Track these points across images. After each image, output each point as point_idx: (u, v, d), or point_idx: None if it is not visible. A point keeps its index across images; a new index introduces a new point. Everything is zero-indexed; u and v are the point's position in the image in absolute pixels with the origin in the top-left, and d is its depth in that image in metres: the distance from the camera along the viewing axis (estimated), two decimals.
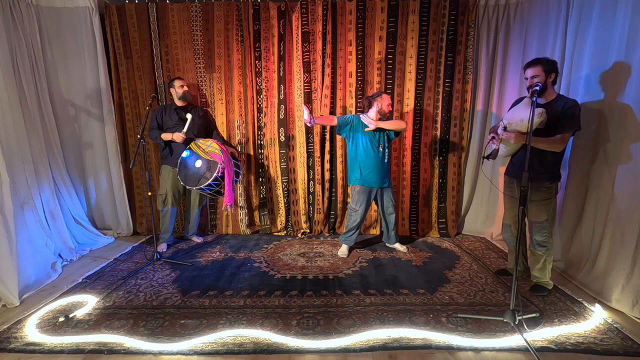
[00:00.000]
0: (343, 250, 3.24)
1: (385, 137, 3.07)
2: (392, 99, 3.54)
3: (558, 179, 2.41)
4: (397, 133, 3.13)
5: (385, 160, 3.08)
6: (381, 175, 3.07)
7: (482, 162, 2.48)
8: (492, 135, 2.47)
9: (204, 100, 3.63)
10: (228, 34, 3.50)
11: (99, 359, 1.91)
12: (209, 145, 3.14)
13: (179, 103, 3.31)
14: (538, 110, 2.12)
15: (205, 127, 3.46)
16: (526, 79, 2.33)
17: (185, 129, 3.13)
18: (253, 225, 3.89)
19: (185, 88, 3.28)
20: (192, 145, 3.17)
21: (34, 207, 2.90)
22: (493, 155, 2.51)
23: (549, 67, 2.26)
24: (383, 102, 3.01)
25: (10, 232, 2.49)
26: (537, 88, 2.07)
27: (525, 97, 2.40)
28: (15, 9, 3.00)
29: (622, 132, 2.34)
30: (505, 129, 2.33)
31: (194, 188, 3.07)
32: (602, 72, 2.50)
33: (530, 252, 2.56)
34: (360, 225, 3.20)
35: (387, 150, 3.08)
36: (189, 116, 3.14)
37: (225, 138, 3.64)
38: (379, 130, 2.98)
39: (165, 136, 3.19)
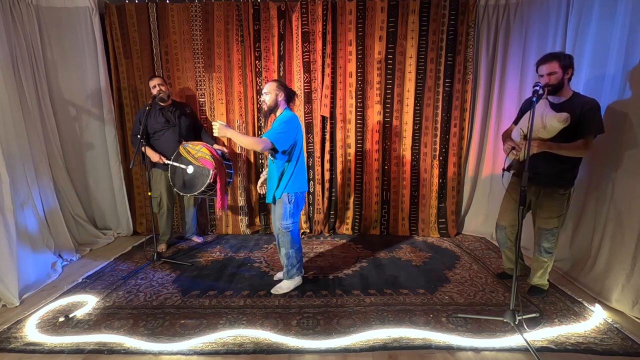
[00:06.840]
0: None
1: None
2: (392, 99, 3.54)
3: (572, 184, 2.27)
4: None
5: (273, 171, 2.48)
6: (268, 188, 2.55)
7: (503, 175, 2.36)
8: (511, 145, 2.29)
9: (203, 100, 3.63)
10: (228, 34, 3.50)
11: (99, 359, 1.91)
12: (199, 150, 3.02)
13: (161, 103, 3.15)
14: (563, 115, 2.00)
15: (193, 127, 3.33)
16: (541, 76, 2.16)
17: (171, 162, 3.03)
18: (253, 225, 3.89)
19: (158, 88, 3.04)
20: (181, 150, 3.05)
21: (34, 207, 2.90)
22: (514, 166, 2.35)
23: (567, 62, 2.11)
24: None
25: (10, 232, 2.49)
26: (538, 88, 1.95)
27: (542, 98, 2.15)
28: (15, 9, 3.00)
29: (622, 132, 2.34)
30: (525, 137, 2.11)
31: (187, 195, 3.03)
32: (602, 73, 2.50)
33: (533, 258, 2.46)
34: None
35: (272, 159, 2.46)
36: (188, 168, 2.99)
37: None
38: None
39: (151, 154, 3.08)
